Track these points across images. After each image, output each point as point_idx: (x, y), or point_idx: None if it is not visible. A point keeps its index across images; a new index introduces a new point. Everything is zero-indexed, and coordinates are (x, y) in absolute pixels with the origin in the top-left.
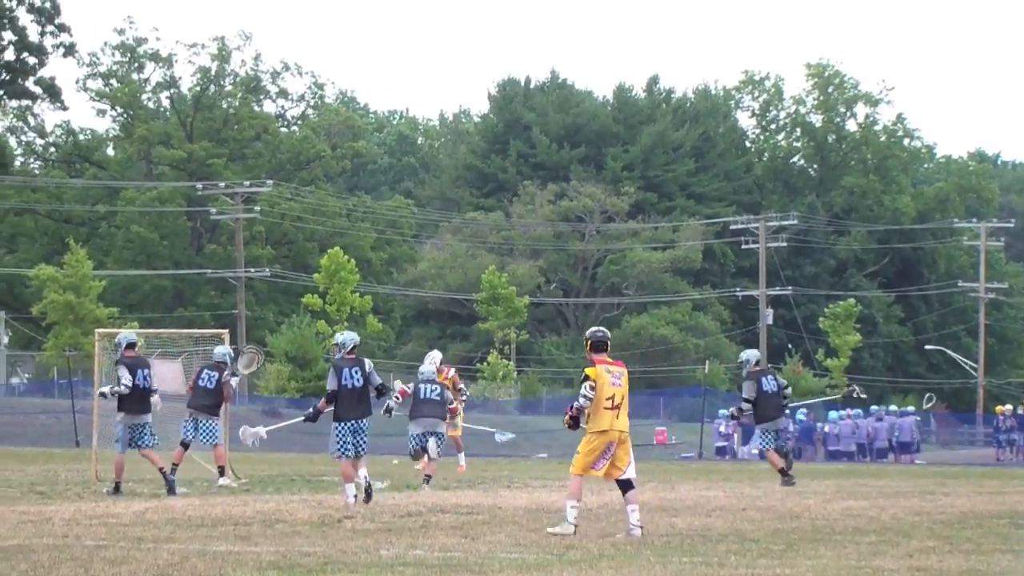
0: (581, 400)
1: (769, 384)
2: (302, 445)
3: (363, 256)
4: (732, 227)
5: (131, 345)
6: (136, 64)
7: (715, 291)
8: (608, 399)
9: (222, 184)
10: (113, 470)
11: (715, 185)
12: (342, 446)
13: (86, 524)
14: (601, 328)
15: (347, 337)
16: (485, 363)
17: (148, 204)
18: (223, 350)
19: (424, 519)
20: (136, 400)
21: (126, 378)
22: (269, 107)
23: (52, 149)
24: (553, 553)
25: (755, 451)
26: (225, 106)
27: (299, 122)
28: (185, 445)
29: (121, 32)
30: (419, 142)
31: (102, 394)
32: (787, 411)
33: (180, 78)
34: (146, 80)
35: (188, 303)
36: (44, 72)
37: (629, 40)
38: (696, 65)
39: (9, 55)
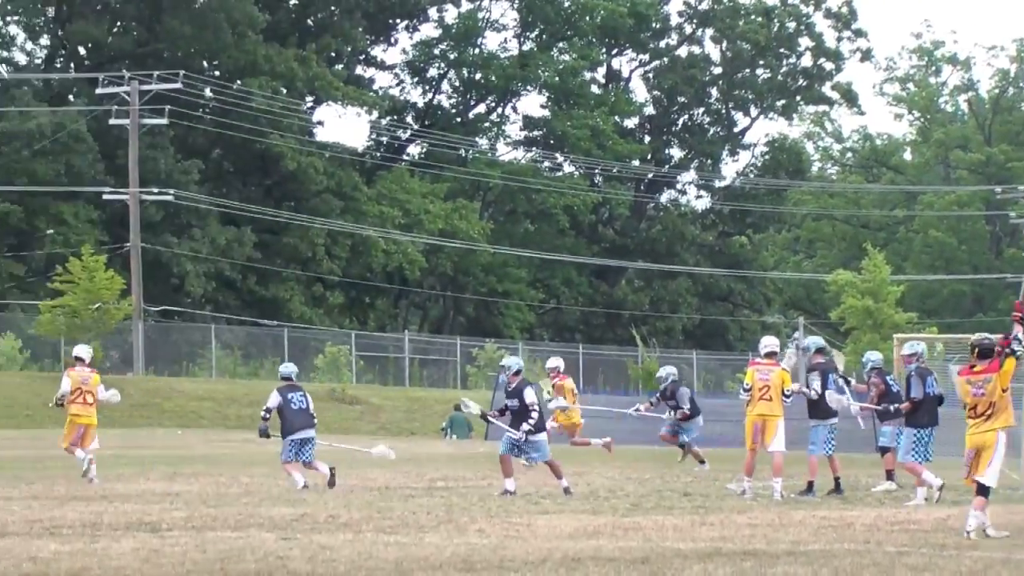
0: None
1: None
2: None
3: None
4: None
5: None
6: (933, 67)
7: None
8: (966, 407)
9: (1022, 188)
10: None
11: None
12: None
13: (887, 530)
14: (987, 335)
15: None
16: None
17: (946, 208)
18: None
19: None
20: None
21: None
22: None
23: (849, 154)
24: None
25: None
26: None
27: None
28: None
29: (918, 36)
30: None
31: None
32: None
33: (978, 81)
34: (943, 83)
35: (988, 308)
36: (841, 77)
37: None
38: None
39: (806, 61)
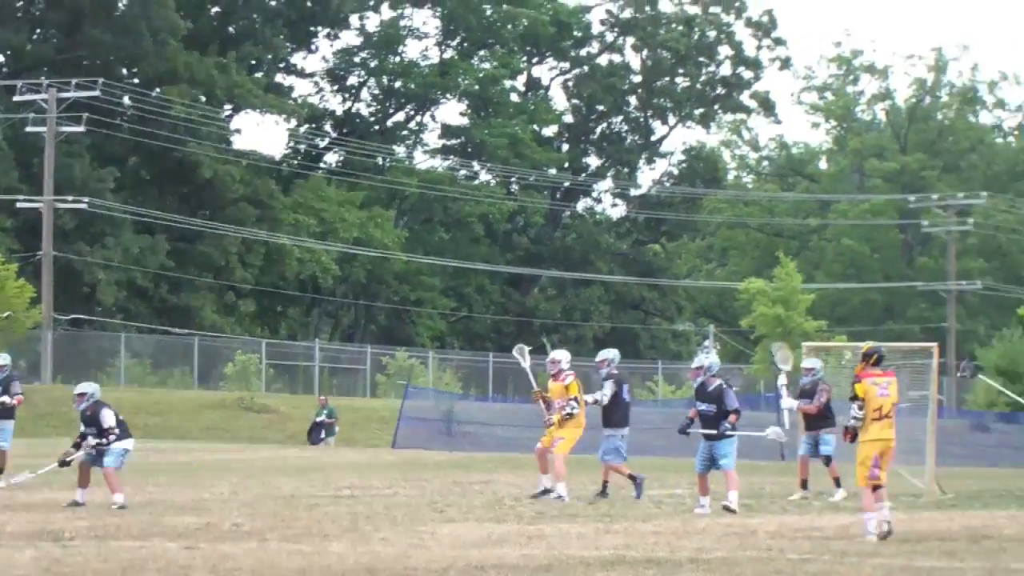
0: (852, 421)
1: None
2: (1012, 460)
3: None
4: None
5: None
6: (851, 76)
7: None
8: (876, 410)
9: (935, 196)
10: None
11: None
12: None
13: (790, 537)
14: (880, 344)
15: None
16: None
17: (859, 217)
18: None
19: None
20: None
21: None
22: (985, 118)
23: (765, 163)
24: None
25: None
26: (940, 117)
27: (1015, 132)
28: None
29: (837, 44)
30: None
31: None
32: None
33: (895, 90)
34: (860, 92)
35: (897, 316)
36: (759, 86)
37: None
38: None
39: (725, 69)
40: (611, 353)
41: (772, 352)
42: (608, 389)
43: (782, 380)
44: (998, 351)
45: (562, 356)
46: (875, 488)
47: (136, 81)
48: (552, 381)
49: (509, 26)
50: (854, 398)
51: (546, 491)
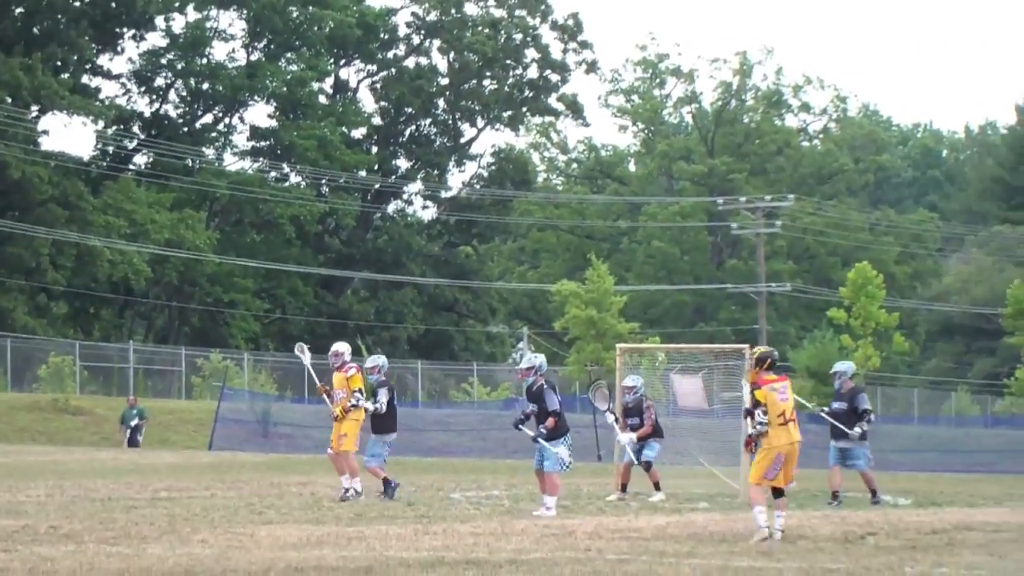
0: (757, 427)
1: None
2: (823, 460)
3: (887, 270)
4: None
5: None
6: (657, 80)
7: None
8: (779, 415)
9: (743, 199)
10: None
11: None
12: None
13: (608, 538)
14: (771, 348)
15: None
16: (1012, 379)
17: (669, 219)
18: None
19: (949, 536)
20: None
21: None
22: (791, 121)
23: (574, 165)
24: None
25: None
26: (746, 120)
27: (821, 136)
28: None
29: (643, 48)
30: (943, 155)
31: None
32: None
33: (701, 93)
34: (667, 96)
35: (709, 318)
36: (566, 89)
37: None
38: None
39: (532, 73)
40: (381, 360)
41: (591, 397)
42: (383, 396)
43: (610, 419)
44: (808, 352)
45: (344, 348)
46: (778, 495)
47: None
48: (335, 372)
49: (315, 28)
50: (756, 405)
51: (347, 491)
